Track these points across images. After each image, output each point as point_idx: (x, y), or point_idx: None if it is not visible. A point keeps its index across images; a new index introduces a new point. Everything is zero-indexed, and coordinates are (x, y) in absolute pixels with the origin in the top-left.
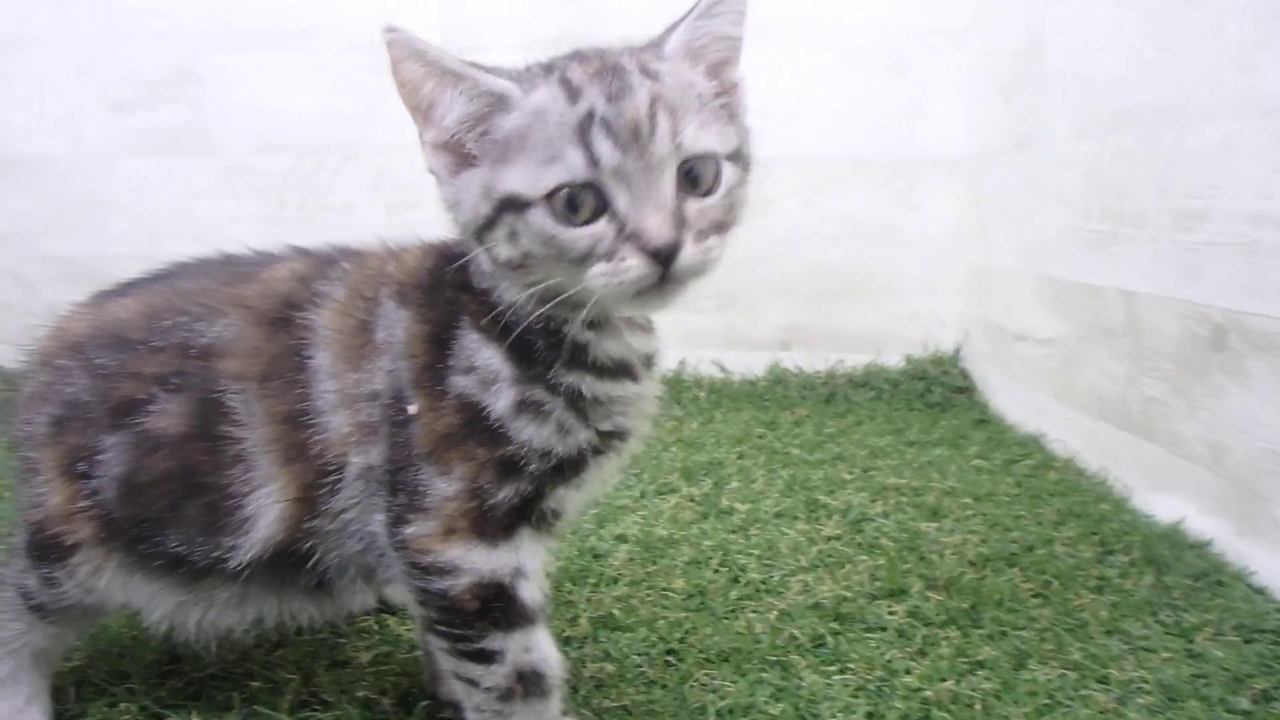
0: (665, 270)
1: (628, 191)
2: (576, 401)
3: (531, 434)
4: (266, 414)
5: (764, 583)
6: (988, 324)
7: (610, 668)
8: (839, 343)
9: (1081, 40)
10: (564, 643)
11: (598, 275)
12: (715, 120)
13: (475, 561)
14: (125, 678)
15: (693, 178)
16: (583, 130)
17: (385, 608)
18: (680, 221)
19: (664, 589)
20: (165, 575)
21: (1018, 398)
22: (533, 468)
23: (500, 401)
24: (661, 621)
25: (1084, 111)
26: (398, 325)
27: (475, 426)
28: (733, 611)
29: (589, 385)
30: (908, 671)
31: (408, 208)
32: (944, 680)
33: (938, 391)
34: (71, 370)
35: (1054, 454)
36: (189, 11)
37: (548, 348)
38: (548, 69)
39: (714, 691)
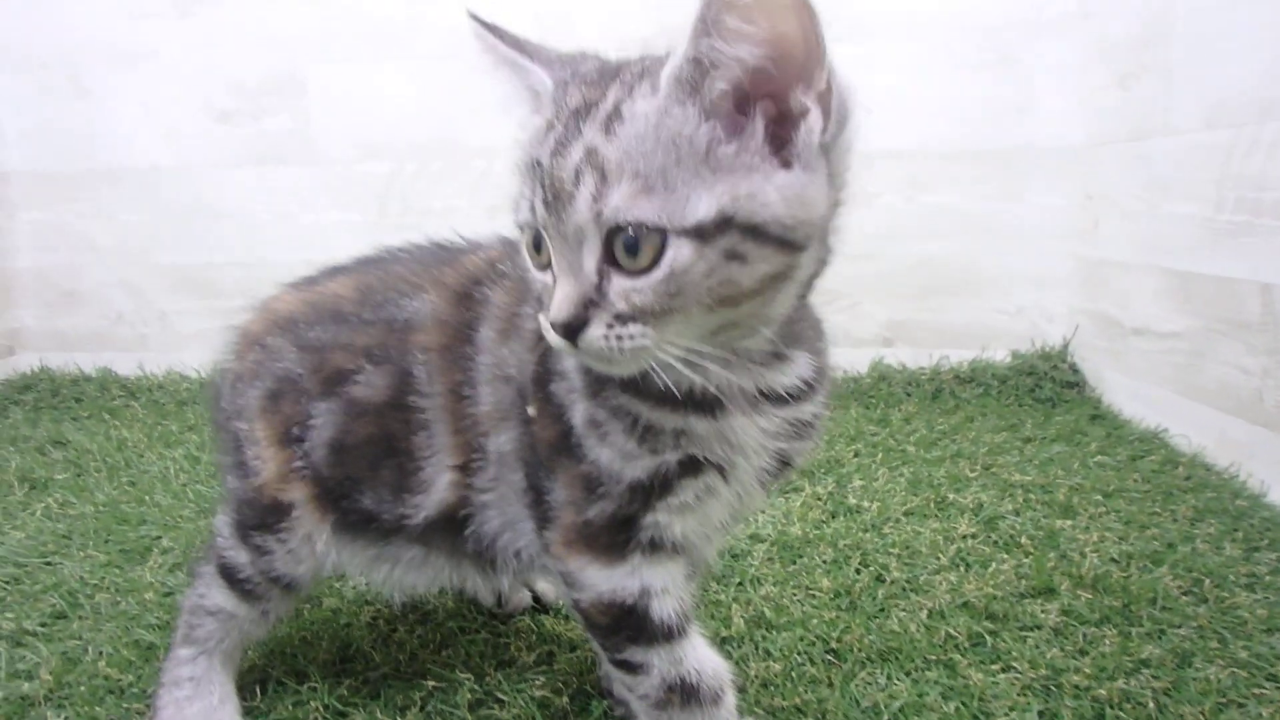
0: (574, 343)
1: (556, 250)
2: (633, 426)
3: (599, 453)
4: (443, 383)
5: (909, 581)
6: (1101, 318)
7: (776, 666)
8: (943, 339)
9: (1213, 27)
10: (721, 642)
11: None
12: (689, 181)
13: (593, 579)
14: (305, 677)
15: (629, 249)
16: (531, 174)
17: (540, 606)
18: (587, 300)
19: (810, 588)
20: (362, 533)
21: (1136, 393)
22: (608, 489)
23: (577, 414)
24: (815, 620)
25: (1214, 100)
26: (527, 315)
27: (567, 438)
28: (882, 610)
29: (645, 411)
30: (1074, 670)
31: (507, 211)
32: (1113, 679)
33: (1047, 387)
34: (283, 347)
35: (1178, 449)
36: (290, 21)
37: None
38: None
39: (883, 690)
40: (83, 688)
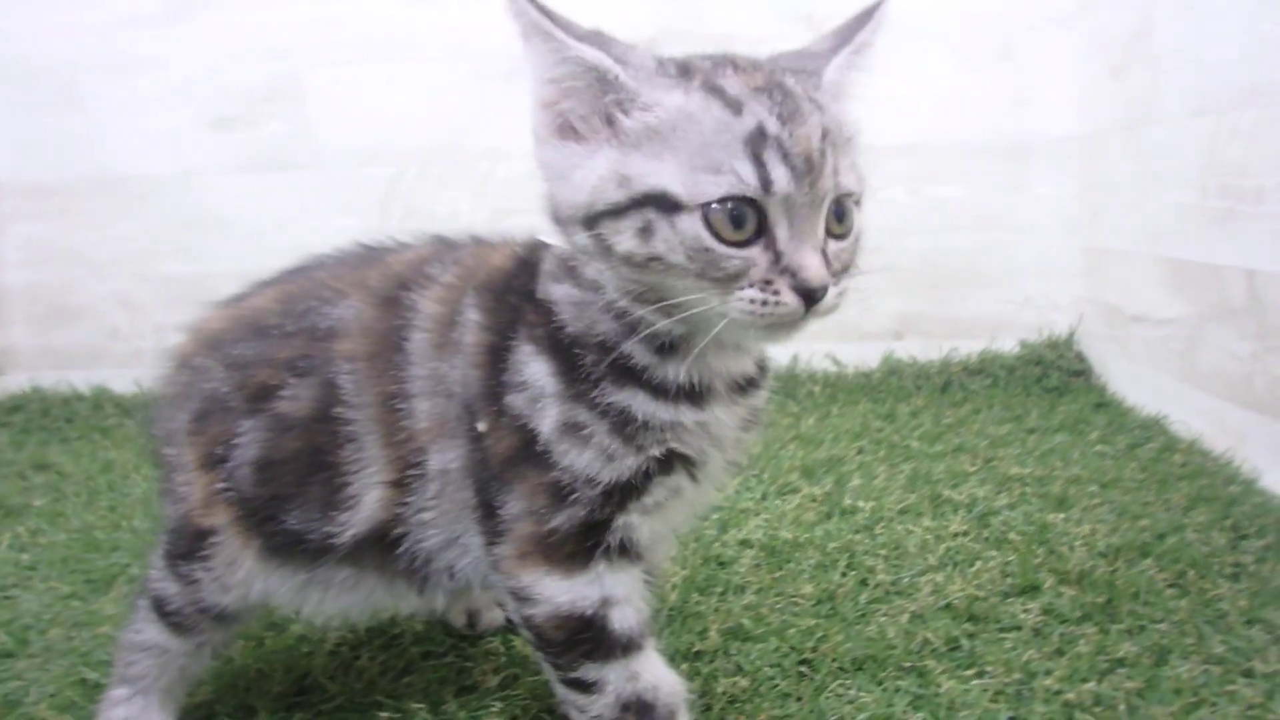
0: (807, 309)
1: (788, 223)
2: (623, 425)
3: (575, 458)
4: (372, 393)
5: (893, 584)
6: (1104, 306)
7: (744, 682)
8: (952, 330)
9: (1195, 17)
10: (694, 657)
11: (744, 301)
12: (854, 160)
13: (550, 592)
14: (253, 712)
15: (838, 216)
16: (754, 146)
17: (512, 627)
18: (827, 262)
19: (792, 595)
20: (289, 556)
21: (1138, 379)
22: (581, 494)
23: (545, 422)
24: (792, 630)
25: (1199, 88)
26: (468, 329)
27: (529, 448)
28: (863, 616)
29: (640, 405)
30: (1047, 673)
31: (513, 214)
32: (1085, 681)
33: (1055, 376)
34: (210, 367)
35: (1178, 436)
36: (286, 25)
37: (596, 363)
38: (684, 69)
39: (851, 702)
40: None
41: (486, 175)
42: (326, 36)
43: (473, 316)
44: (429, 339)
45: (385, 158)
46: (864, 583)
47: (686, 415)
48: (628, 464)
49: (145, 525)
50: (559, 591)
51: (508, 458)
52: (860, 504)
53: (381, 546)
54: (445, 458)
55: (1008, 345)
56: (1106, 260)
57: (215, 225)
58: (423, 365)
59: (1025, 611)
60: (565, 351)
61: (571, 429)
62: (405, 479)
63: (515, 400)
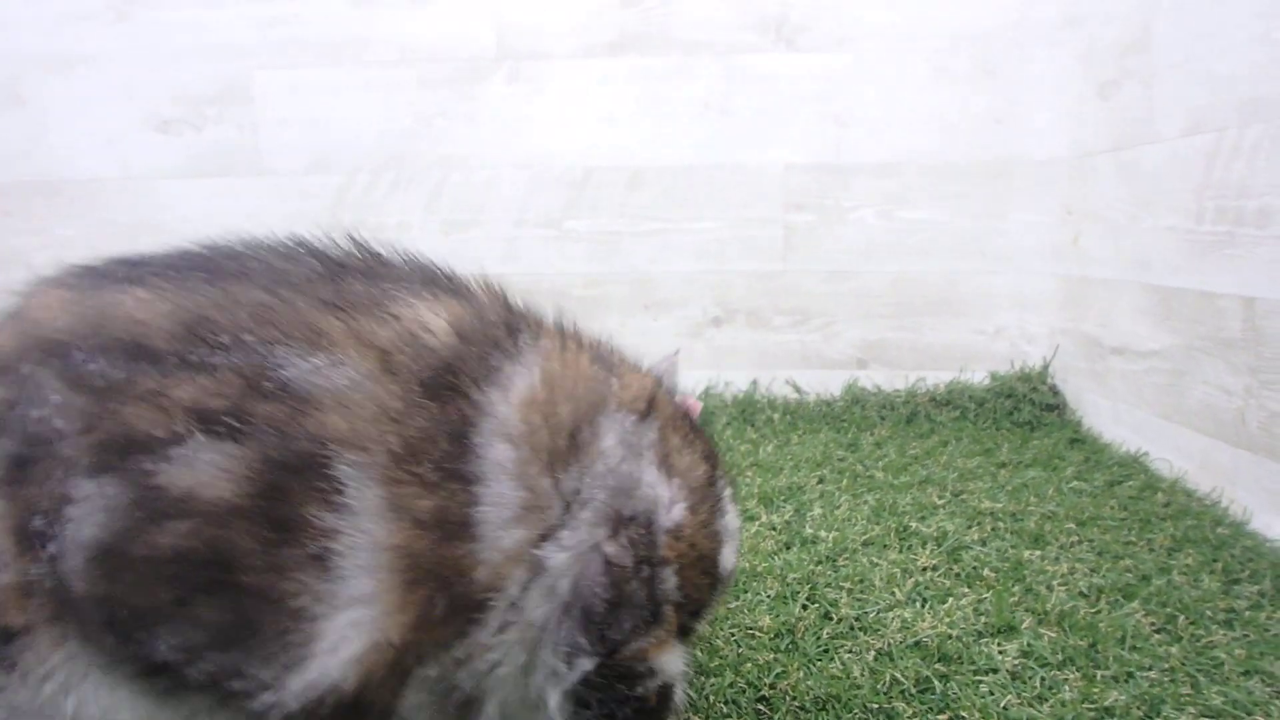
0: None
1: None
2: None
3: None
4: (394, 507)
5: (858, 619)
6: (1081, 338)
7: (697, 719)
8: (920, 360)
9: (1195, 30)
10: None
11: None
12: None
13: (668, 664)
14: None
15: None
16: None
17: None
18: None
19: (749, 627)
20: (138, 683)
21: (1116, 415)
22: None
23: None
24: (749, 664)
25: (1197, 105)
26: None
27: None
28: (825, 652)
29: None
30: None
31: (464, 227)
32: None
33: (1026, 410)
34: (43, 382)
35: (1159, 474)
36: (236, 25)
37: None
38: None
39: None
40: None
41: (439, 184)
42: (276, 38)
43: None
44: (521, 451)
45: (335, 164)
46: (827, 616)
47: None
48: None
49: None
50: (672, 662)
51: None
52: (822, 534)
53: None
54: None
55: (978, 377)
56: (1087, 289)
57: (160, 230)
58: (515, 483)
59: (1001, 653)
60: None
61: None
62: (436, 631)
63: None
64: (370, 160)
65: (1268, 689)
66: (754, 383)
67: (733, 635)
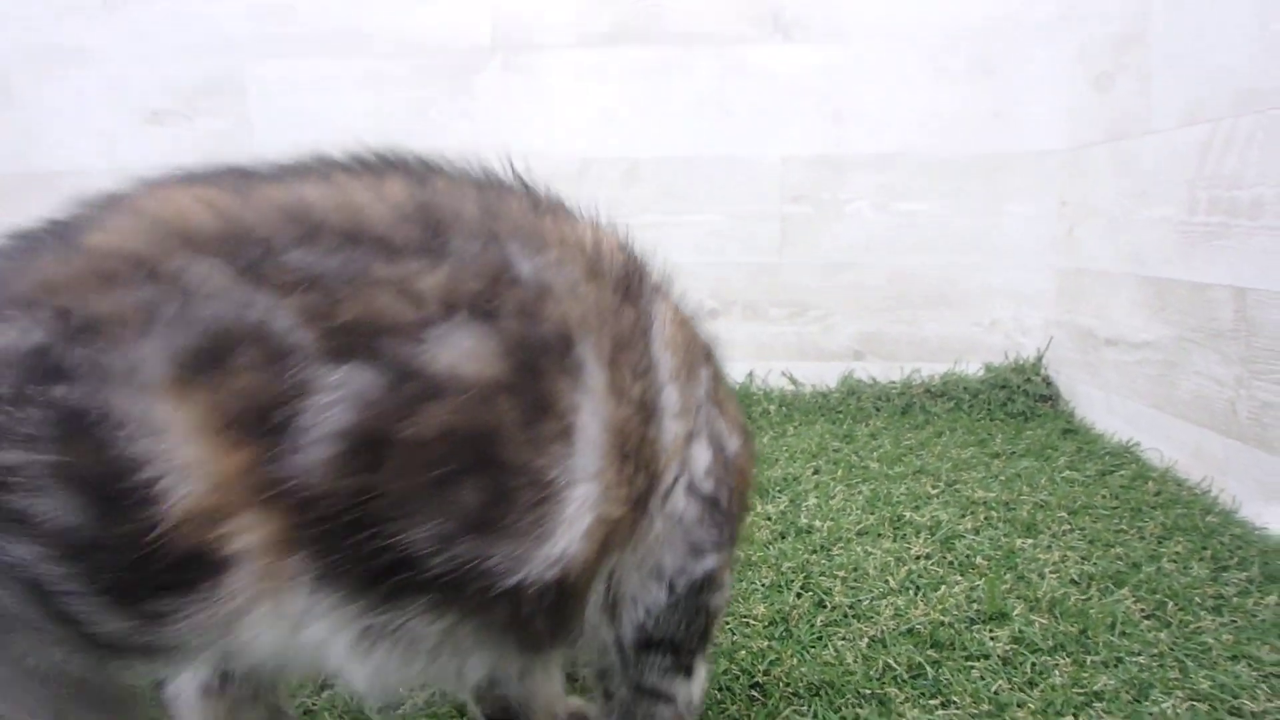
0: None
1: None
2: None
3: None
4: (612, 390)
5: (852, 607)
6: (1075, 329)
7: None
8: (915, 352)
9: (1191, 23)
10: None
11: None
12: None
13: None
14: None
15: None
16: None
17: None
18: None
19: (744, 616)
20: (364, 592)
21: (1109, 406)
22: None
23: None
24: (743, 652)
25: (1191, 96)
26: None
27: None
28: (819, 639)
29: None
30: (1019, 705)
31: None
32: (1060, 714)
33: (1020, 401)
34: (209, 276)
35: (1150, 464)
36: (229, 16)
37: None
38: None
39: None
40: None
41: None
42: (269, 29)
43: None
44: (675, 359)
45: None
46: (820, 604)
47: None
48: None
49: None
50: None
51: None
52: (817, 524)
53: (561, 599)
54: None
55: (972, 368)
56: (1081, 281)
57: None
58: (674, 386)
59: (993, 639)
60: None
61: None
62: (634, 510)
63: None
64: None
65: (1255, 673)
66: (750, 374)
67: (727, 623)
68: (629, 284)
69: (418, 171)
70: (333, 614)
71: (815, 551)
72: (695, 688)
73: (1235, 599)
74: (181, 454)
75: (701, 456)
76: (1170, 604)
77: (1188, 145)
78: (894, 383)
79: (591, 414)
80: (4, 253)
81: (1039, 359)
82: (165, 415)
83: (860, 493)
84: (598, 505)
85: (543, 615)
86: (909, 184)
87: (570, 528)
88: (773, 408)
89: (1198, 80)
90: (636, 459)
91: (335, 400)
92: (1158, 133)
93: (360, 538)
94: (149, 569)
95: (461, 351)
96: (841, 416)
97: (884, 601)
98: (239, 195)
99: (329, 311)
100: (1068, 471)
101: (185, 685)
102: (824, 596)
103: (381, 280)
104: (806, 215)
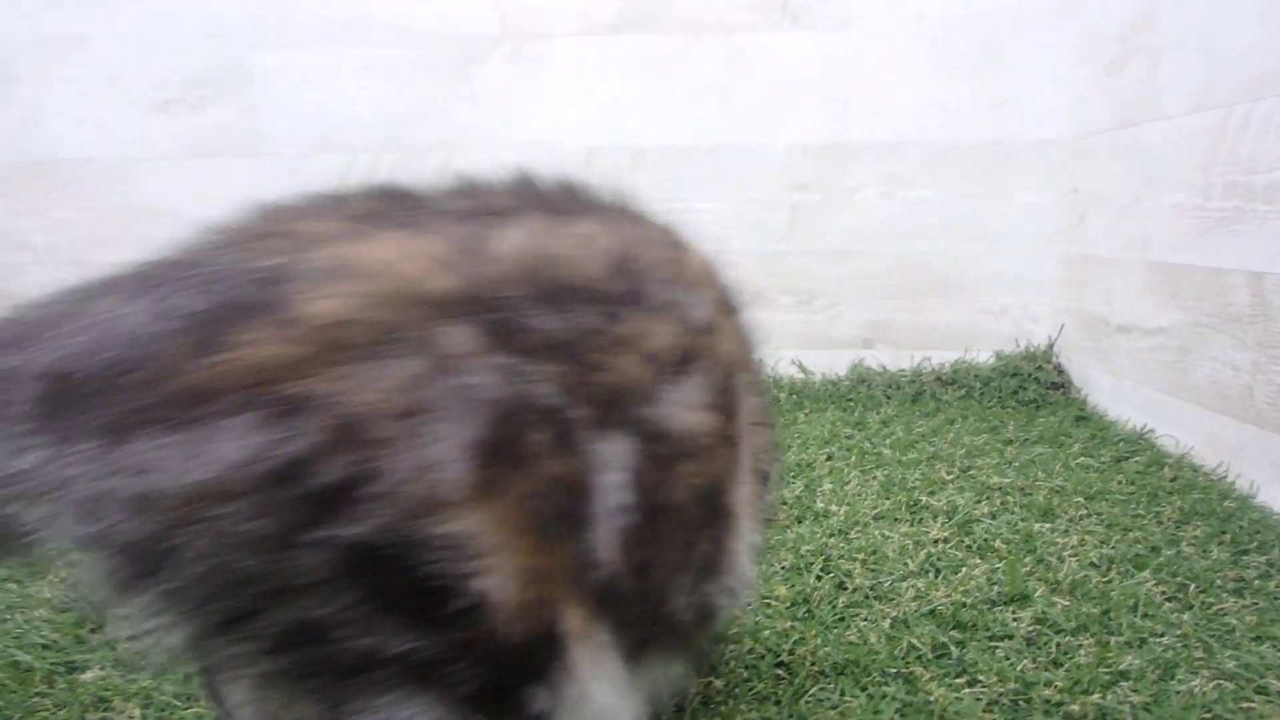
0: None
1: None
2: None
3: None
4: (754, 413)
5: (873, 589)
6: (1086, 317)
7: (718, 683)
8: (924, 340)
9: (1201, 7)
10: None
11: None
12: None
13: None
14: None
15: None
16: None
17: None
18: None
19: (765, 597)
20: (634, 653)
21: (1121, 393)
22: None
23: None
24: (767, 632)
25: (1204, 81)
26: None
27: None
28: (841, 620)
29: None
30: (1045, 684)
31: None
32: (1087, 693)
33: (1031, 388)
34: (466, 345)
35: (1165, 450)
36: (234, 7)
37: None
38: None
39: (834, 707)
40: None
41: (441, 166)
42: (275, 17)
43: None
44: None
45: (336, 146)
46: (841, 586)
47: None
48: None
49: None
50: None
51: None
52: (833, 508)
53: None
54: None
55: (982, 356)
56: (1090, 268)
57: (157, 213)
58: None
59: (1016, 620)
60: None
61: None
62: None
63: None
64: (372, 141)
65: (1279, 653)
66: (760, 362)
67: (749, 605)
68: (731, 305)
69: (600, 209)
70: (618, 678)
71: (833, 535)
72: None
73: (1256, 582)
74: (497, 563)
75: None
76: (1192, 586)
77: (1200, 130)
78: (904, 370)
79: (744, 445)
80: (158, 317)
81: (1050, 346)
82: (474, 527)
83: (875, 478)
84: (751, 530)
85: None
86: (916, 171)
87: (742, 555)
88: (783, 395)
89: (1209, 65)
90: (760, 469)
91: (615, 475)
92: (1168, 118)
93: (642, 606)
94: (500, 672)
95: (688, 406)
96: (852, 404)
97: (905, 584)
98: (464, 245)
99: (582, 379)
100: (1082, 458)
101: None
102: (844, 579)
103: (618, 340)
104: (813, 203)
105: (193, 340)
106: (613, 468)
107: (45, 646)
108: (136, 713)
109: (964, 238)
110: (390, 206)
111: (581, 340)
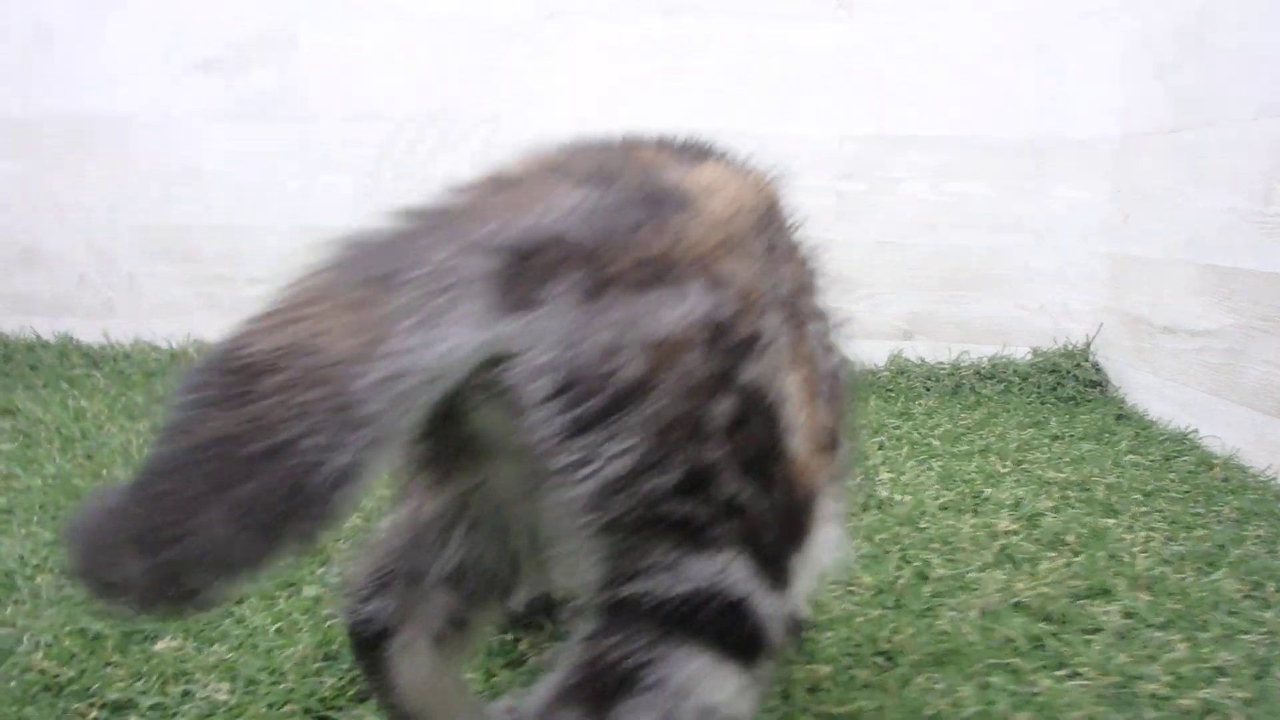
0: None
1: None
2: None
3: None
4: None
5: (955, 579)
6: (1127, 316)
7: (824, 670)
8: (963, 333)
9: (1257, 12)
10: None
11: None
12: None
13: None
14: (282, 676)
15: None
16: None
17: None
18: None
19: (849, 584)
20: None
21: (1164, 393)
22: None
23: None
24: (860, 619)
25: (1264, 88)
26: None
27: None
28: (929, 609)
29: None
30: (1149, 678)
31: None
32: (1191, 687)
33: (1070, 385)
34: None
35: (1211, 452)
36: None
37: None
38: None
39: (945, 697)
40: (12, 683)
41: (485, 141)
42: None
43: None
44: None
45: (379, 117)
46: (923, 576)
47: None
48: None
49: (127, 475)
50: None
51: None
52: (897, 497)
53: None
54: None
55: (1019, 352)
56: (1134, 268)
57: (193, 175)
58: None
59: (1104, 614)
60: None
61: None
62: None
63: None
64: (418, 112)
65: None
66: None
67: (834, 590)
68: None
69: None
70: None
71: (903, 524)
72: None
73: None
74: (800, 423)
75: None
76: (1270, 585)
77: (1259, 136)
78: (942, 363)
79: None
80: (610, 206)
81: (1088, 344)
82: (791, 388)
83: (931, 469)
84: None
85: None
86: (962, 165)
87: None
88: None
89: (1266, 74)
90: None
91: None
92: (1224, 123)
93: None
94: (786, 530)
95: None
96: (894, 395)
97: (984, 574)
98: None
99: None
100: (1131, 455)
101: (418, 635)
102: (924, 568)
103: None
104: (859, 192)
105: (646, 222)
106: (817, 347)
107: (110, 614)
108: (224, 686)
109: (1006, 232)
110: (674, 148)
111: (795, 250)
